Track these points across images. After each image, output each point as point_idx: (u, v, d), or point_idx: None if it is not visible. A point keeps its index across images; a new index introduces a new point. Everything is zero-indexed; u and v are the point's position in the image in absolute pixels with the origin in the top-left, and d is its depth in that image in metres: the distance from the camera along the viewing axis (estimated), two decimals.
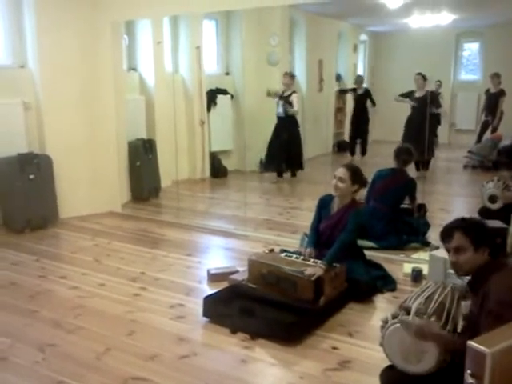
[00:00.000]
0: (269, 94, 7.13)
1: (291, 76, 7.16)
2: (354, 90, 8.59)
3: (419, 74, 7.15)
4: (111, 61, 5.55)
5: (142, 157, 6.21)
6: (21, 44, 5.23)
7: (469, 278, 2.23)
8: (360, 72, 9.92)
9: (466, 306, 2.28)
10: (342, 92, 9.12)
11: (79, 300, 3.48)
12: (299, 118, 8.91)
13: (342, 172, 3.54)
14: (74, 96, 5.35)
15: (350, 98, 9.54)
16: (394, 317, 2.18)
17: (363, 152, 8.49)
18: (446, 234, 2.16)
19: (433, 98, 7.08)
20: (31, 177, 4.96)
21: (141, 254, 4.42)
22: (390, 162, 4.86)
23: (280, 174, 7.44)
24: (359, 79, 8.49)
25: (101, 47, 5.43)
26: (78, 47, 5.30)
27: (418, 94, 7.06)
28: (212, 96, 7.68)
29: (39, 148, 5.24)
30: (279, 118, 7.21)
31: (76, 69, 5.32)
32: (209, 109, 7.64)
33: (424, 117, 7.11)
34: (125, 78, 6.23)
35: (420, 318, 2.10)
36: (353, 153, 8.50)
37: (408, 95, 7.43)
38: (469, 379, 1.73)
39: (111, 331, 3.04)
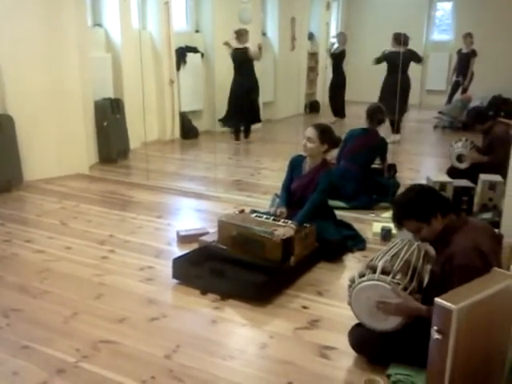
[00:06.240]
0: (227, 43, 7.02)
1: (246, 32, 7.09)
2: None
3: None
4: (74, 16, 5.29)
5: (109, 117, 6.03)
6: None
7: None
8: (333, 31, 9.77)
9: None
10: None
11: (45, 264, 3.39)
12: (271, 78, 8.79)
13: (310, 132, 3.49)
14: (36, 53, 5.08)
15: (322, 58, 9.43)
16: (361, 276, 2.20)
17: (340, 113, 8.38)
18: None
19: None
20: None
21: (109, 216, 4.33)
22: (361, 123, 4.84)
23: (238, 137, 7.38)
24: (343, 37, 8.30)
25: (63, 1, 5.15)
26: (38, 1, 5.00)
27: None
28: (182, 54, 7.46)
29: (0, 108, 5.01)
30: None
31: (37, 24, 5.03)
32: (178, 67, 7.43)
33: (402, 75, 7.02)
34: (89, 34, 5.97)
35: (386, 276, 2.12)
36: (336, 113, 8.43)
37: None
38: (435, 335, 1.76)
39: (79, 295, 2.98)
